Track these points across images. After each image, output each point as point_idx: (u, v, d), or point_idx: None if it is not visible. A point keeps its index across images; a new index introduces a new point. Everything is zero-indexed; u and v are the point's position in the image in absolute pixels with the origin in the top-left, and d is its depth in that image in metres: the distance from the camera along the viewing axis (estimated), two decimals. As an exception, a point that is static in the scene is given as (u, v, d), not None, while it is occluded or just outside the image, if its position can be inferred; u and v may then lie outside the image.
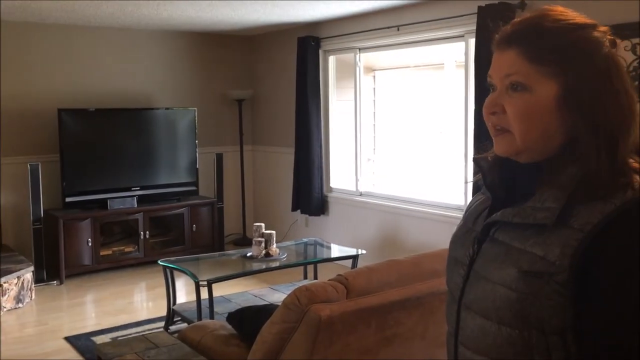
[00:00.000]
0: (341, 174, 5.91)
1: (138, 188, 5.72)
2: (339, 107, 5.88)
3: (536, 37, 0.95)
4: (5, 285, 4.49)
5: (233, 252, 4.55)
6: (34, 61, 5.51)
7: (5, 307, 4.48)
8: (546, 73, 0.93)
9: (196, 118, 6.06)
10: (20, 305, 4.62)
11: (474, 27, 4.25)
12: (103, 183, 5.56)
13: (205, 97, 6.44)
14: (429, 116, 5.28)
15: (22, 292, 4.66)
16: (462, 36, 4.57)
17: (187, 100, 6.28)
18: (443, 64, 5.14)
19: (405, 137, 5.50)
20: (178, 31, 6.23)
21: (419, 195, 5.10)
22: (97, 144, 5.57)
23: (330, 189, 5.94)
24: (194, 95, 6.36)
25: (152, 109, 5.96)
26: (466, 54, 4.56)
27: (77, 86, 5.70)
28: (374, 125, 5.67)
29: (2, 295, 4.46)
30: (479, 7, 4.15)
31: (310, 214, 5.91)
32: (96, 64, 5.81)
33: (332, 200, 5.89)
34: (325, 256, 4.54)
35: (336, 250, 4.65)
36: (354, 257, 4.28)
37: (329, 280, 2.18)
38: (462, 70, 4.66)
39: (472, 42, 4.39)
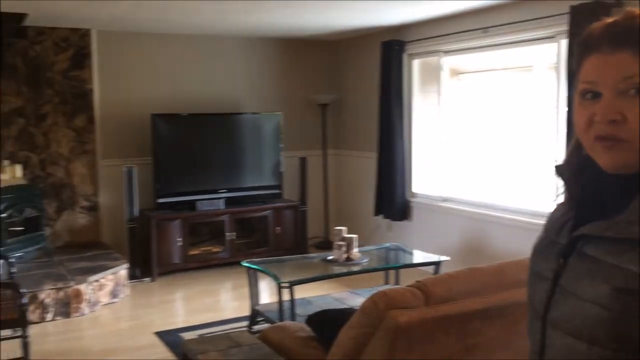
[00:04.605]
0: (424, 179, 5.84)
1: (225, 190, 5.91)
2: (423, 111, 5.82)
3: None
4: (102, 281, 4.77)
5: (314, 255, 4.60)
6: (129, 69, 5.83)
7: (102, 302, 4.76)
8: None
9: (281, 122, 6.18)
10: (115, 300, 4.89)
11: (566, 28, 4.08)
12: (192, 185, 5.79)
13: (290, 102, 6.56)
14: (517, 120, 5.12)
15: (117, 288, 4.93)
16: (553, 37, 4.40)
17: (273, 105, 6.42)
18: (532, 66, 4.97)
19: (492, 142, 5.35)
20: (264, 37, 6.38)
21: (505, 202, 4.95)
22: (188, 147, 5.80)
23: (413, 194, 5.88)
24: (279, 100, 6.50)
25: (240, 113, 6.14)
26: (558, 55, 4.39)
27: (170, 92, 5.97)
28: (460, 129, 5.55)
29: (100, 290, 4.74)
30: (572, 7, 3.98)
31: (393, 219, 5.88)
32: (187, 71, 6.07)
33: (415, 205, 5.83)
34: (407, 262, 4.50)
35: (418, 256, 4.58)
36: (437, 264, 4.21)
37: (408, 286, 2.16)
38: (554, 73, 4.49)
39: (564, 43, 4.22)
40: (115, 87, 5.75)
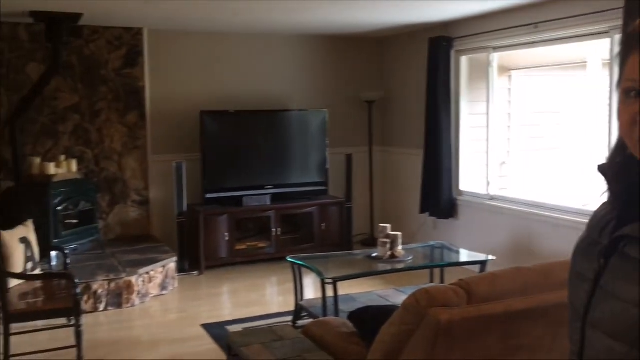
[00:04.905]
0: (472, 177, 5.76)
1: (271, 186, 5.98)
2: (471, 109, 5.74)
3: None
4: (152, 273, 4.90)
5: (359, 252, 4.61)
6: (179, 66, 5.96)
7: (151, 293, 4.89)
8: None
9: (327, 119, 6.21)
10: (164, 292, 5.02)
11: (620, 23, 3.96)
12: (239, 181, 5.88)
13: (336, 98, 6.58)
14: (568, 118, 4.99)
15: (166, 280, 5.06)
16: (607, 32, 4.27)
17: (319, 102, 6.45)
18: (586, 62, 4.84)
19: (542, 140, 5.24)
20: (312, 35, 6.42)
21: (555, 201, 4.84)
22: (235, 144, 5.90)
23: (460, 192, 5.82)
24: (325, 97, 6.52)
25: (286, 110, 6.19)
26: (611, 51, 4.26)
27: (218, 89, 6.08)
28: (509, 126, 5.46)
29: (149, 282, 4.87)
30: (626, 1, 3.85)
31: (439, 217, 5.83)
32: (235, 68, 6.16)
33: (462, 203, 5.76)
34: (452, 260, 4.46)
35: (464, 255, 4.53)
36: (483, 263, 4.16)
37: (450, 284, 2.15)
38: (607, 69, 4.36)
39: (618, 38, 4.09)
40: (166, 84, 5.89)
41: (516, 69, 5.49)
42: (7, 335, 3.50)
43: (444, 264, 4.34)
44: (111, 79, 5.63)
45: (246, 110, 6.01)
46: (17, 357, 3.54)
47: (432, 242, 4.83)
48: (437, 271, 4.47)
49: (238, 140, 5.92)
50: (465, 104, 5.75)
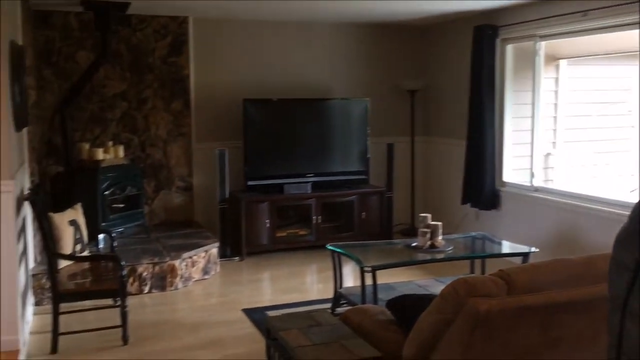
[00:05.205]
0: (515, 168, 5.67)
1: (312, 175, 6.02)
2: (516, 99, 5.63)
3: None
4: (195, 258, 5.01)
5: (398, 242, 4.61)
6: (223, 55, 6.03)
7: (194, 278, 5.00)
8: None
9: (369, 108, 6.19)
10: (206, 276, 5.12)
11: (675, 9, 3.82)
12: (281, 169, 5.93)
13: (378, 87, 6.55)
14: (618, 109, 4.85)
15: (208, 265, 5.16)
16: (660, 20, 4.13)
17: (361, 90, 6.44)
18: (637, 51, 4.69)
19: (590, 131, 5.11)
20: (354, 23, 6.40)
21: (601, 193, 4.72)
22: (277, 132, 5.95)
23: (503, 183, 5.73)
24: (367, 86, 6.50)
25: (328, 99, 6.20)
26: (664, 39, 4.12)
27: (261, 77, 6.13)
28: (554, 117, 5.34)
29: (192, 267, 4.98)
30: (682, -13, 3.72)
31: (481, 208, 5.76)
32: (278, 57, 6.20)
33: (505, 194, 5.68)
34: (493, 252, 4.41)
35: (506, 247, 4.47)
36: (525, 255, 4.10)
37: (490, 274, 2.13)
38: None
39: (672, 25, 3.95)
40: (210, 72, 5.97)
41: (564, 58, 5.36)
42: (57, 314, 3.64)
43: (485, 255, 4.30)
44: (157, 67, 5.75)
45: (288, 99, 6.05)
46: (66, 335, 3.68)
47: (473, 233, 4.79)
48: (478, 263, 4.43)
49: (280, 128, 5.97)
50: (510, 94, 5.65)
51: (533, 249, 4.12)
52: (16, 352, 3.32)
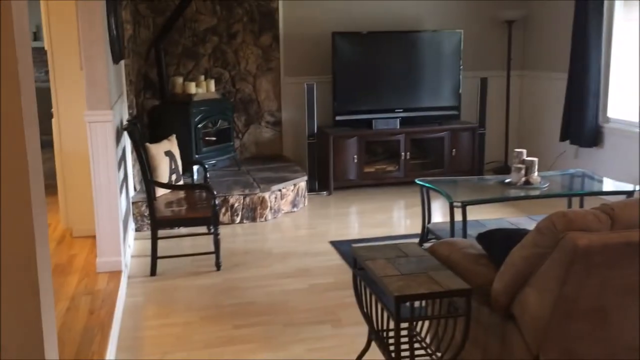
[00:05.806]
0: (622, 103, 5.28)
1: (401, 110, 5.89)
2: (626, 28, 5.18)
3: None
4: (284, 191, 5.09)
5: (491, 178, 4.46)
6: (313, -13, 5.91)
7: (283, 210, 5.10)
8: None
9: (462, 41, 5.92)
10: (295, 209, 5.21)
11: None
12: (369, 104, 5.84)
13: (472, 18, 6.23)
14: None
15: (297, 198, 5.24)
16: None
17: (454, 22, 6.15)
18: None
19: None
20: (450, -51, 6.05)
21: None
22: (366, 66, 5.83)
23: (607, 119, 5.37)
24: (460, 17, 6.20)
25: (419, 31, 5.97)
26: None
27: (350, 10, 5.98)
28: (669, 46, 4.88)
29: (281, 199, 5.08)
30: None
31: (581, 145, 5.45)
32: (368, -12, 6.00)
33: (608, 131, 5.32)
34: (593, 189, 4.16)
35: (608, 184, 4.21)
36: (629, 194, 3.85)
37: (592, 208, 2.01)
38: None
39: None
40: (298, 6, 5.89)
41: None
42: (155, 239, 3.84)
43: (584, 193, 4.06)
44: (246, 0, 5.72)
45: (378, 32, 5.88)
46: (164, 259, 3.89)
47: (571, 170, 4.55)
48: (575, 201, 4.22)
49: (369, 62, 5.84)
50: (619, 21, 5.19)
51: (638, 187, 3.86)
52: (119, 273, 3.55)
